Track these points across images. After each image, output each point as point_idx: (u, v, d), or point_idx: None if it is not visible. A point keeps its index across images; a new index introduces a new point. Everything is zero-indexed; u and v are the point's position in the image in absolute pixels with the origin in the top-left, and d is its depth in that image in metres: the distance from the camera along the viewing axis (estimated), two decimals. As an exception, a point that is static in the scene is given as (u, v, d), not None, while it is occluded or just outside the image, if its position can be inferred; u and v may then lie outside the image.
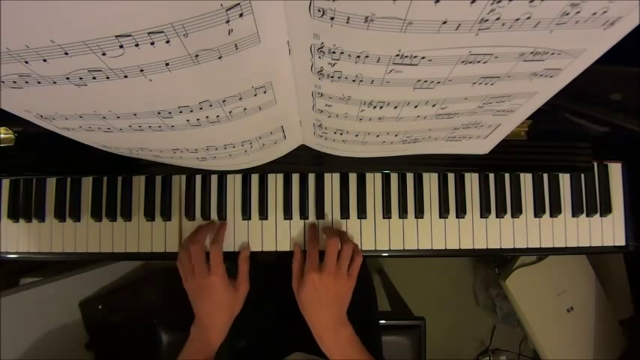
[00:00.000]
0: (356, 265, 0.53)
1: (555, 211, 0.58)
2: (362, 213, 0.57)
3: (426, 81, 0.32)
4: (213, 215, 0.57)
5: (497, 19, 0.24)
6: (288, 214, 0.57)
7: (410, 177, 0.58)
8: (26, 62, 0.26)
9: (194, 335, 0.52)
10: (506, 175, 0.59)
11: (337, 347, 0.50)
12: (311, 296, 0.51)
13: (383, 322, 0.78)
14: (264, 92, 0.35)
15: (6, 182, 0.58)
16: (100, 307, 1.01)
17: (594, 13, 0.25)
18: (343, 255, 0.52)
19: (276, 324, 0.64)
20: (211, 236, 0.56)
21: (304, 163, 0.55)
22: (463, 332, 1.37)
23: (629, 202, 0.59)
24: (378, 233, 0.58)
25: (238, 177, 0.58)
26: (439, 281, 1.38)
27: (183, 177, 0.58)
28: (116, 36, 0.24)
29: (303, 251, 0.56)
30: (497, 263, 1.29)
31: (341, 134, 0.44)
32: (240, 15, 0.25)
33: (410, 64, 0.30)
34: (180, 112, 0.34)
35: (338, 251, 0.52)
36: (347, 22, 0.25)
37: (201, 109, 0.34)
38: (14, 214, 0.57)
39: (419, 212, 0.58)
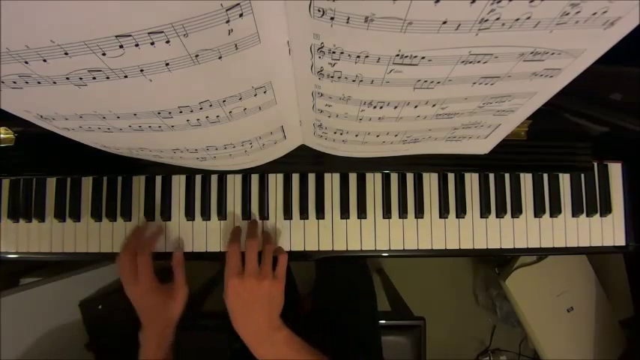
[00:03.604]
0: (281, 264, 0.51)
1: (555, 211, 0.58)
2: (362, 213, 0.57)
3: (426, 81, 0.32)
4: (213, 215, 0.57)
5: (497, 19, 0.24)
6: (288, 214, 0.57)
7: (410, 177, 0.58)
8: (26, 62, 0.26)
9: (141, 341, 0.52)
10: (506, 175, 0.59)
11: (275, 353, 0.47)
12: (235, 303, 0.48)
13: (383, 322, 0.78)
14: (264, 92, 0.35)
15: (6, 182, 0.58)
16: (100, 307, 1.01)
17: (594, 13, 0.25)
18: (264, 255, 0.50)
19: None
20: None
21: (304, 163, 0.55)
22: (463, 332, 1.37)
23: (629, 202, 0.59)
24: (378, 233, 0.58)
25: (238, 177, 0.58)
26: (439, 281, 1.38)
27: (183, 177, 0.58)
28: (116, 36, 0.24)
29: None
30: (497, 263, 1.29)
31: (341, 134, 0.44)
32: (240, 15, 0.25)
33: (410, 64, 0.30)
34: (180, 112, 0.34)
35: (258, 252, 0.50)
36: (347, 22, 0.25)
37: (201, 109, 0.34)
38: (14, 214, 0.57)
39: (419, 212, 0.58)
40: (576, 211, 0.58)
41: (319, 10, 0.25)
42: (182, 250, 0.56)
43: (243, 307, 0.48)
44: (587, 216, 0.59)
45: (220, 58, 0.28)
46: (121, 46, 0.25)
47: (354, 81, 0.32)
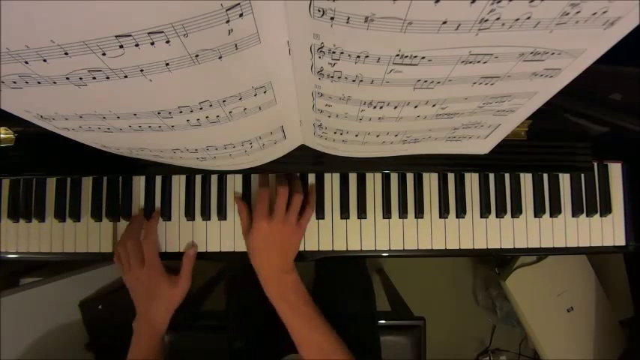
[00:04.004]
0: (306, 216, 0.54)
1: (555, 211, 0.58)
2: (362, 213, 0.57)
3: (426, 81, 0.32)
4: (213, 215, 0.57)
5: (497, 19, 0.24)
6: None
7: (410, 177, 0.58)
8: (26, 62, 0.26)
9: (135, 329, 0.53)
10: (506, 175, 0.59)
11: (280, 291, 0.51)
12: (259, 244, 0.52)
13: (383, 322, 0.78)
14: (264, 92, 0.35)
15: (6, 182, 0.58)
16: (100, 307, 1.01)
17: (594, 13, 0.25)
18: (293, 204, 0.53)
19: (274, 324, 0.64)
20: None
21: (304, 163, 0.55)
22: (463, 332, 1.37)
23: (629, 202, 0.59)
24: (378, 233, 0.58)
25: (238, 177, 0.58)
26: (439, 281, 1.38)
27: (183, 177, 0.58)
28: (116, 36, 0.24)
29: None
30: (497, 263, 1.29)
31: (341, 134, 0.44)
32: (240, 15, 0.25)
33: (410, 64, 0.30)
34: (180, 112, 0.34)
35: (287, 201, 0.53)
36: (347, 22, 0.25)
37: (201, 109, 0.34)
38: (14, 214, 0.57)
39: (419, 212, 0.58)
40: (576, 211, 0.58)
41: (319, 10, 0.25)
42: (196, 248, 0.57)
43: (265, 248, 0.52)
44: (587, 216, 0.59)
45: (220, 58, 0.28)
46: (121, 46, 0.25)
47: (354, 81, 0.32)
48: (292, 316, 0.51)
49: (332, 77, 0.33)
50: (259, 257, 0.52)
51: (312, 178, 0.58)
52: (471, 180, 0.59)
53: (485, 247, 0.58)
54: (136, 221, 0.56)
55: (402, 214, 0.57)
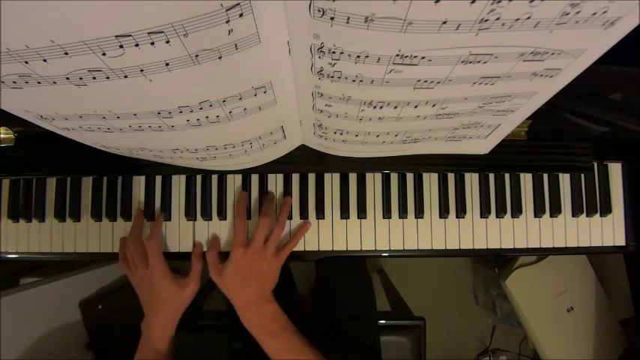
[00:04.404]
0: (288, 247, 0.53)
1: (555, 211, 0.58)
2: (362, 213, 0.57)
3: (426, 81, 0.32)
4: (214, 215, 0.57)
5: (498, 19, 0.24)
6: (288, 215, 0.57)
7: (410, 177, 0.58)
8: (26, 62, 0.26)
9: (143, 331, 0.53)
10: (506, 175, 0.59)
11: (260, 324, 0.50)
12: (234, 273, 0.51)
13: (383, 322, 0.78)
14: (264, 92, 0.35)
15: (6, 182, 0.58)
16: (100, 307, 1.01)
17: (594, 13, 0.25)
18: (272, 235, 0.52)
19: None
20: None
21: (304, 163, 0.55)
22: (463, 332, 1.37)
23: (629, 202, 0.59)
24: (378, 233, 0.58)
25: (238, 177, 0.58)
26: (439, 281, 1.37)
27: (183, 177, 0.58)
28: (116, 36, 0.24)
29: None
30: (497, 263, 1.29)
31: (341, 134, 0.44)
32: (240, 15, 0.25)
33: (410, 64, 0.30)
34: (180, 112, 0.34)
35: (269, 230, 0.52)
36: (347, 22, 0.25)
37: (201, 109, 0.34)
38: (14, 214, 0.57)
39: (419, 212, 0.58)
40: (576, 211, 0.58)
41: (319, 10, 0.25)
42: (202, 245, 0.57)
43: (242, 278, 0.51)
44: (587, 216, 0.59)
45: (220, 58, 0.28)
46: (121, 46, 0.25)
47: (354, 81, 0.32)
48: (275, 345, 0.49)
49: (332, 77, 0.33)
50: (234, 287, 0.51)
51: (312, 178, 0.58)
52: (471, 180, 0.59)
53: (485, 247, 0.58)
54: (137, 222, 0.55)
55: (402, 214, 0.57)
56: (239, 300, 0.51)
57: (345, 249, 0.57)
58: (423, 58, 0.29)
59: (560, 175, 0.59)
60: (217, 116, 0.36)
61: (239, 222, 0.53)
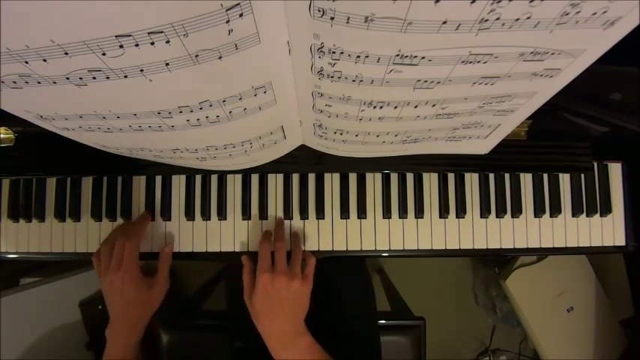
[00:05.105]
0: (310, 267, 0.51)
1: (555, 211, 0.58)
2: (362, 213, 0.57)
3: (426, 81, 0.32)
4: (213, 215, 0.57)
5: (497, 19, 0.24)
6: (288, 215, 0.57)
7: (410, 177, 0.58)
8: (26, 62, 0.26)
9: (108, 337, 0.50)
10: (506, 175, 0.59)
11: (297, 358, 0.46)
12: (263, 301, 0.47)
13: (383, 322, 0.78)
14: (264, 92, 0.35)
15: (6, 182, 0.58)
16: (100, 307, 1.01)
17: (594, 13, 0.25)
18: (294, 256, 0.51)
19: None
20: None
21: (304, 163, 0.55)
22: (463, 332, 1.37)
23: (629, 202, 0.59)
24: (378, 233, 0.58)
25: (238, 177, 0.58)
26: (439, 281, 1.37)
27: (183, 177, 0.58)
28: (116, 36, 0.24)
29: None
30: (497, 263, 1.29)
31: (341, 134, 0.44)
32: (240, 15, 0.25)
33: (410, 64, 0.30)
34: (180, 112, 0.34)
35: (287, 252, 0.50)
36: (347, 22, 0.25)
37: (201, 109, 0.34)
38: (14, 214, 0.57)
39: (419, 212, 0.58)
40: (576, 211, 0.58)
41: (319, 10, 0.25)
42: (172, 246, 0.55)
43: (271, 306, 0.47)
44: (587, 216, 0.59)
45: (220, 58, 0.28)
46: (121, 46, 0.25)
47: (354, 81, 0.32)
48: None
49: (332, 77, 0.33)
50: (266, 320, 0.47)
51: (312, 178, 0.58)
52: (471, 180, 0.59)
53: (485, 247, 0.58)
54: (120, 226, 0.54)
55: (402, 214, 0.57)
56: (270, 332, 0.47)
57: (345, 249, 0.57)
58: (423, 58, 0.29)
59: (560, 175, 0.59)
60: (217, 116, 0.36)
61: (264, 247, 0.51)
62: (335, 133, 0.44)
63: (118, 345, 0.49)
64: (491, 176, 0.59)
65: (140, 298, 0.50)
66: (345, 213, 0.57)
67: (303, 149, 0.52)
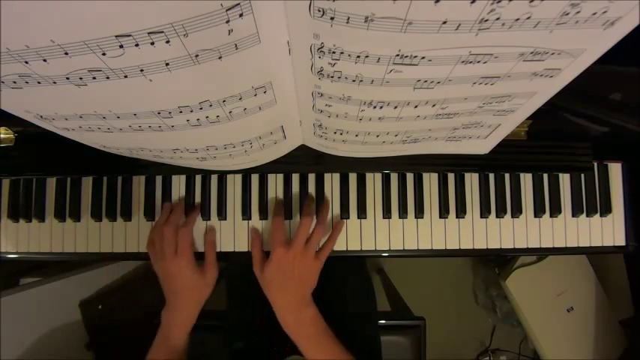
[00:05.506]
0: (326, 248, 0.53)
1: (555, 211, 0.58)
2: (362, 213, 0.57)
3: (426, 81, 0.32)
4: (213, 215, 0.57)
5: (498, 19, 0.24)
6: (288, 215, 0.57)
7: (410, 177, 0.58)
8: (26, 62, 0.26)
9: (163, 320, 0.52)
10: (506, 175, 0.59)
11: (299, 327, 0.50)
12: (275, 273, 0.50)
13: (383, 322, 0.78)
14: (264, 92, 0.35)
15: (6, 182, 0.58)
16: (100, 307, 1.01)
17: (594, 13, 0.25)
18: (313, 236, 0.52)
19: (273, 325, 0.64)
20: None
21: (304, 163, 0.55)
22: (463, 332, 1.37)
23: (629, 202, 0.59)
24: (378, 233, 0.58)
25: (238, 177, 0.58)
26: (439, 281, 1.38)
27: (183, 177, 0.58)
28: (116, 36, 0.24)
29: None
30: (497, 263, 1.29)
31: (341, 134, 0.44)
32: (240, 15, 0.25)
33: (410, 64, 0.30)
34: (180, 112, 0.34)
35: (310, 231, 0.52)
36: (347, 22, 0.25)
37: (201, 109, 0.34)
38: (14, 214, 0.57)
39: (419, 212, 0.58)
40: (576, 211, 0.58)
41: (319, 10, 0.25)
42: (214, 232, 0.56)
43: (282, 278, 0.50)
44: (587, 216, 0.59)
45: (220, 58, 0.28)
46: (121, 46, 0.25)
47: (354, 81, 0.32)
48: (312, 349, 0.50)
49: (332, 77, 0.33)
50: (275, 290, 0.51)
51: (312, 178, 0.58)
52: (471, 180, 0.59)
53: (485, 247, 0.58)
54: (176, 211, 0.55)
55: (402, 214, 0.57)
56: (278, 301, 0.51)
57: (345, 249, 0.57)
58: (423, 58, 0.29)
59: (560, 175, 0.59)
60: (217, 116, 0.36)
61: (278, 221, 0.53)
62: (335, 133, 0.44)
63: (178, 329, 0.52)
64: (491, 176, 0.59)
65: (195, 284, 0.52)
66: (345, 213, 0.57)
67: (303, 149, 0.52)
